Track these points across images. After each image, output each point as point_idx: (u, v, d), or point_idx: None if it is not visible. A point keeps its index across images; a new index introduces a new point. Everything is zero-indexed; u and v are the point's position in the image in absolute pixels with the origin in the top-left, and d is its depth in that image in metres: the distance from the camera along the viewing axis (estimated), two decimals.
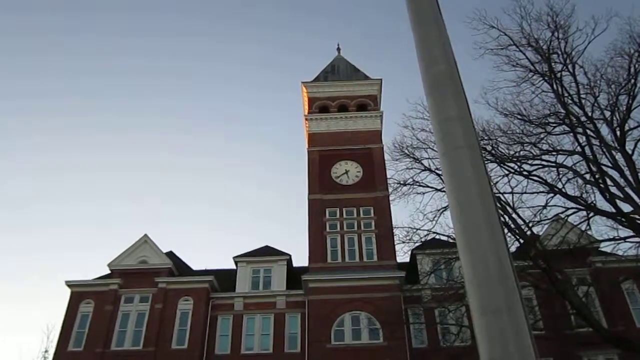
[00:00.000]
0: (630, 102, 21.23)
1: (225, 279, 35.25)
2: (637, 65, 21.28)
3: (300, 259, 51.31)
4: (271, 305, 33.49)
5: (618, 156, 20.82)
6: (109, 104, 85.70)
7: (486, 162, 22.03)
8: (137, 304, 33.24)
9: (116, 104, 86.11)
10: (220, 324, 33.15)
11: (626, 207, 20.00)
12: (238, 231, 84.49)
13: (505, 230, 20.67)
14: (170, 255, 36.60)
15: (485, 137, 22.81)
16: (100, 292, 33.56)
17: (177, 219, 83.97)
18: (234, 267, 35.72)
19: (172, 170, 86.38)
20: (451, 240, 24.10)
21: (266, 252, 36.46)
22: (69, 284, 34.01)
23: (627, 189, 20.11)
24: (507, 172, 22.40)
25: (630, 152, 20.66)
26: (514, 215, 21.65)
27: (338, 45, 47.31)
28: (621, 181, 20.34)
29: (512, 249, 22.22)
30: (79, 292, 33.75)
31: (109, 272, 34.83)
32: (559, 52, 22.49)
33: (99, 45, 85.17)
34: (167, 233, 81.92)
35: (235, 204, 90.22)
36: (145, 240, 35.52)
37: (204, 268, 38.28)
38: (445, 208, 23.29)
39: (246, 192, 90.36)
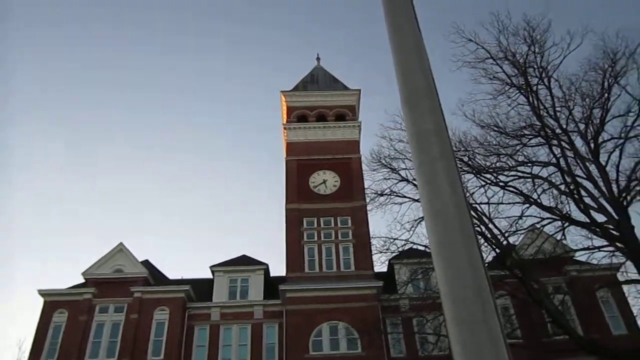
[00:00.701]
0: (603, 115, 21.74)
1: (201, 288, 34.87)
2: (610, 80, 21.82)
3: (278, 269, 50.95)
4: (248, 315, 33.22)
5: (592, 168, 21.26)
6: (83, 108, 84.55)
7: (463, 173, 22.33)
8: (112, 314, 32.66)
9: (92, 108, 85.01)
10: (197, 335, 32.77)
11: (600, 217, 20.41)
12: (215, 240, 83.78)
13: (482, 241, 20.93)
14: (146, 264, 36.12)
15: (462, 149, 23.11)
16: (74, 301, 32.92)
17: (153, 227, 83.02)
18: (210, 276, 35.36)
19: (149, 177, 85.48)
20: (428, 250, 24.17)
21: (243, 261, 36.21)
22: (42, 293, 33.30)
23: (601, 200, 20.52)
24: (483, 183, 22.69)
25: (603, 163, 21.11)
26: (490, 226, 21.88)
27: (318, 55, 47.55)
28: (595, 192, 20.75)
29: (489, 258, 22.45)
30: (52, 302, 33.06)
31: (83, 281, 34.20)
32: (535, 66, 22.94)
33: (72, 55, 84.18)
34: (143, 241, 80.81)
35: (212, 213, 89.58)
36: (120, 249, 35.01)
37: (180, 277, 37.86)
38: (422, 218, 23.45)
39: (223, 200, 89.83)
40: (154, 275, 35.42)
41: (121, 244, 35.13)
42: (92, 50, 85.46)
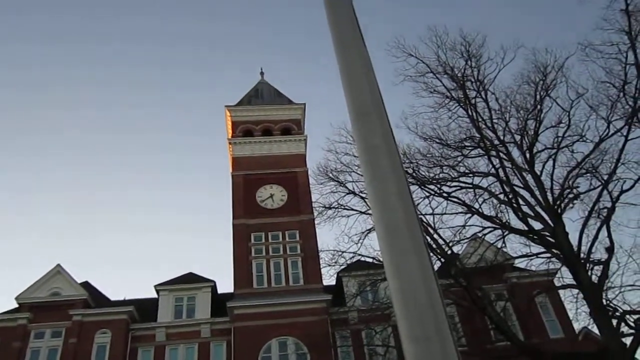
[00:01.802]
0: (537, 126, 22.78)
1: (146, 309, 33.72)
2: (542, 93, 22.95)
3: (226, 285, 49.93)
4: (195, 335, 32.39)
5: (528, 177, 22.18)
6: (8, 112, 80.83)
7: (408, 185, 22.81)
8: (48, 340, 31.06)
9: (22, 115, 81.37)
10: (141, 356, 31.65)
11: (537, 225, 21.26)
12: (160, 258, 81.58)
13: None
14: (86, 285, 34.65)
15: (407, 161, 23.61)
16: (6, 327, 31.08)
17: (94, 246, 79.90)
18: (155, 296, 34.32)
19: (88, 194, 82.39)
20: (376, 262, 24.51)
21: (189, 279, 35.35)
22: None
23: (537, 208, 21.41)
24: (427, 194, 23.22)
25: (538, 173, 22.07)
26: (435, 236, 22.38)
27: (261, 69, 47.46)
28: (532, 201, 21.63)
29: (435, 268, 22.91)
30: None
31: (17, 306, 32.40)
32: (473, 80, 23.84)
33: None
34: (83, 262, 77.68)
35: (157, 230, 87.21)
36: (58, 271, 33.43)
37: (123, 298, 36.56)
38: (369, 230, 23.74)
39: (167, 217, 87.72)
40: (95, 297, 34.01)
41: (59, 265, 33.59)
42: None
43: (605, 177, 21.01)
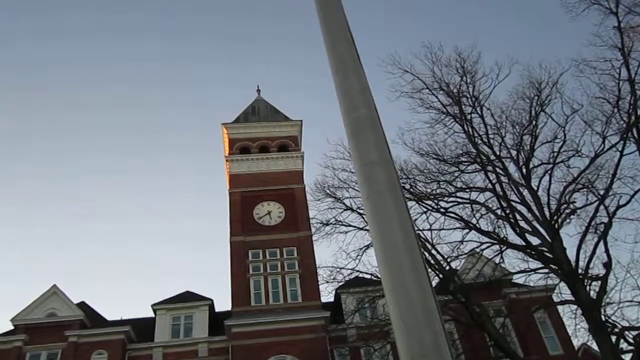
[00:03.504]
0: (533, 141, 22.88)
1: (143, 328, 33.41)
2: (537, 108, 23.10)
3: (223, 304, 49.27)
4: (193, 354, 32.07)
5: (525, 192, 22.20)
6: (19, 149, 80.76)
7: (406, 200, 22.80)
8: None
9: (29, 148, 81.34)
10: None
11: (535, 240, 21.22)
12: (157, 277, 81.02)
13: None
14: (82, 305, 34.34)
15: (403, 176, 23.63)
16: (1, 350, 30.70)
17: (90, 266, 79.38)
18: (152, 315, 34.03)
19: (84, 214, 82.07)
20: (374, 278, 24.41)
21: (187, 297, 35.09)
22: None
23: (535, 223, 21.40)
24: (425, 210, 23.21)
25: (535, 188, 22.10)
26: (433, 252, 22.32)
27: (258, 86, 47.65)
28: (529, 216, 21.63)
29: (433, 284, 22.82)
30: None
31: (12, 327, 32.05)
32: (468, 96, 23.98)
33: None
34: (80, 282, 77.13)
35: (153, 249, 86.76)
36: (54, 292, 33.13)
37: (120, 318, 36.23)
38: (367, 246, 23.67)
39: (164, 236, 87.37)
40: (91, 318, 33.69)
41: (55, 286, 33.30)
42: None
43: (602, 192, 21.06)
